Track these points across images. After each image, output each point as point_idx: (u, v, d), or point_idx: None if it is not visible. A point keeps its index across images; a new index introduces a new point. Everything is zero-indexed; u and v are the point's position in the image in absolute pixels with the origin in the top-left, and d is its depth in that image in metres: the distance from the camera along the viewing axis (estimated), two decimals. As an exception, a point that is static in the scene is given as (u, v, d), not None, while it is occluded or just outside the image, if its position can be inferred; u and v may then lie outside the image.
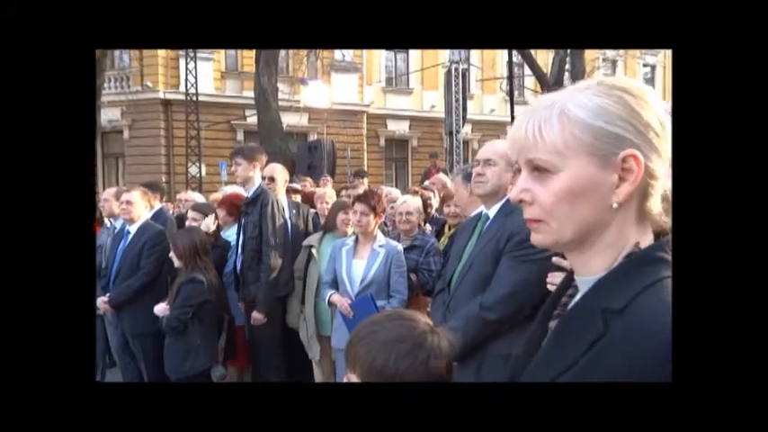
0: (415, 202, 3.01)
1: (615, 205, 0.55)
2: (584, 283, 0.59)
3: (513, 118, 8.78)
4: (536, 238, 0.60)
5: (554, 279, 1.28)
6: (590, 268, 0.58)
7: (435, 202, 3.95)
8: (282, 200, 3.21)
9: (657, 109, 0.53)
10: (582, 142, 0.55)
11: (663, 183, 0.54)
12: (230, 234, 3.28)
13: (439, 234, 3.10)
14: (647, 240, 0.56)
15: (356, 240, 2.70)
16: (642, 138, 0.53)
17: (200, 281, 2.50)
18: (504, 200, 1.84)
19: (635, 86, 0.54)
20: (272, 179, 3.29)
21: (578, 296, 0.60)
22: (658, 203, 0.55)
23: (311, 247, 2.96)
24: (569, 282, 0.65)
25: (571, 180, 0.55)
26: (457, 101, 10.18)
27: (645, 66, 16.31)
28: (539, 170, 0.58)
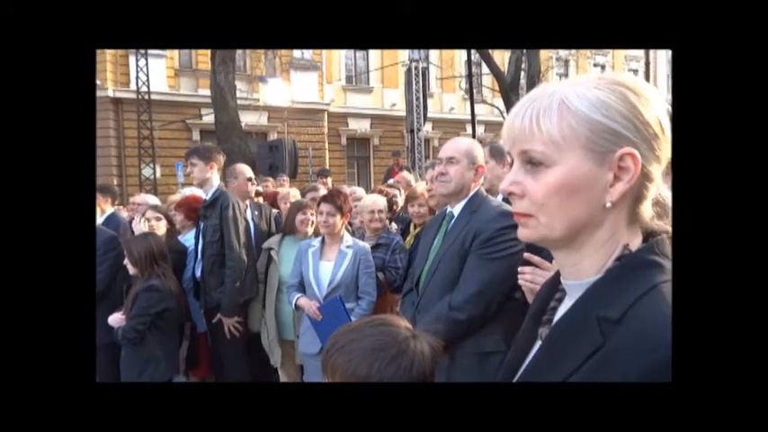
0: (383, 201, 3.00)
1: (608, 204, 0.53)
2: (573, 287, 0.58)
3: (473, 116, 8.97)
4: (523, 233, 0.58)
5: (525, 275, 1.29)
6: (579, 271, 0.57)
7: (401, 201, 3.96)
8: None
9: (659, 109, 0.51)
10: (579, 135, 0.53)
11: (657, 186, 0.53)
12: (188, 238, 3.16)
13: (404, 233, 3.10)
14: (636, 243, 0.54)
15: (322, 242, 2.67)
16: (641, 137, 0.51)
17: (158, 288, 2.38)
18: (467, 197, 1.85)
19: (638, 84, 0.52)
20: (249, 179, 3.25)
21: (567, 301, 0.59)
22: (650, 207, 0.54)
23: (271, 249, 2.90)
24: (556, 285, 0.63)
25: (565, 174, 0.53)
26: (417, 99, 10.25)
27: (595, 65, 16.96)
28: (532, 163, 0.56)
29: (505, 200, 2.18)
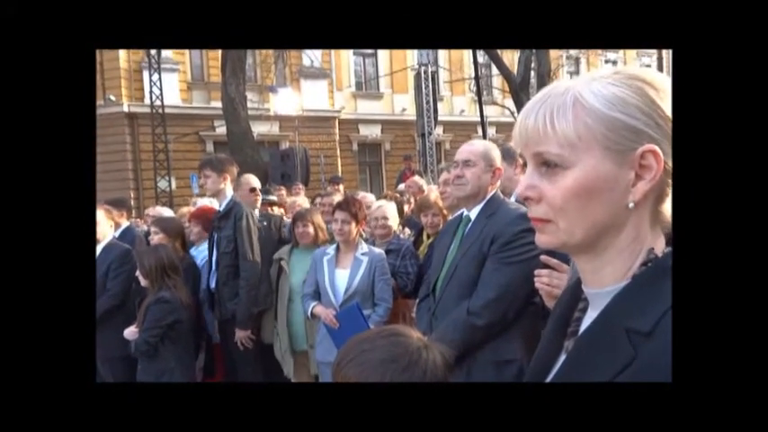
0: (391, 207, 2.98)
1: (631, 205, 0.51)
2: (596, 296, 0.55)
3: (482, 118, 8.92)
4: (542, 239, 0.56)
5: (541, 278, 1.25)
6: (602, 278, 0.54)
7: (412, 205, 3.93)
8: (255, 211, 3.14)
9: None
10: (596, 134, 0.50)
11: None
12: (202, 250, 3.18)
13: (416, 241, 3.07)
14: (660, 246, 0.52)
15: (337, 249, 2.66)
16: (662, 132, 0.49)
17: (168, 300, 2.38)
18: (484, 201, 1.81)
19: (656, 77, 0.50)
20: (252, 189, 3.24)
21: (591, 311, 0.56)
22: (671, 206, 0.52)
23: (281, 260, 2.91)
24: (578, 295, 0.60)
25: (584, 176, 0.51)
26: (427, 103, 10.25)
27: (607, 62, 16.78)
28: (547, 165, 0.54)
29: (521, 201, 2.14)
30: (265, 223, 3.24)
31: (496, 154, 1.86)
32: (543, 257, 1.28)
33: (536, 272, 1.27)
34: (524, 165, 2.31)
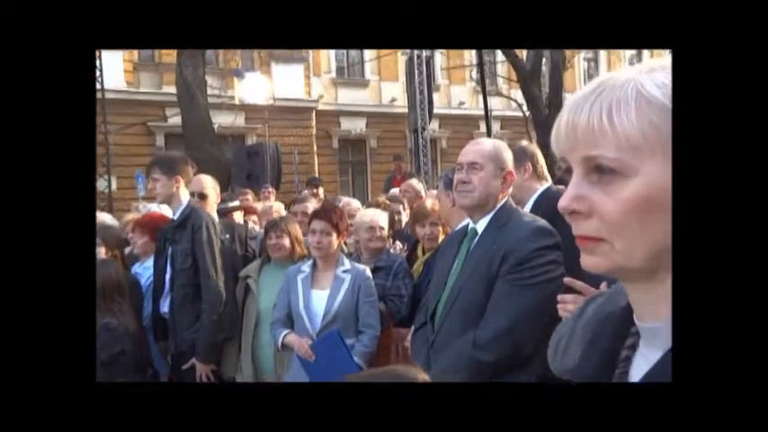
0: (383, 216, 2.98)
1: None
2: (653, 332, 0.54)
3: (486, 111, 9.01)
4: (591, 262, 0.54)
5: (566, 305, 1.25)
6: (659, 310, 0.52)
7: (405, 216, 3.93)
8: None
9: None
10: (663, 135, 0.49)
11: None
12: (149, 266, 3.10)
13: (409, 257, 3.06)
14: None
15: (314, 266, 2.66)
16: None
17: (114, 327, 2.34)
18: (494, 211, 1.81)
19: None
20: (202, 196, 3.13)
21: (645, 350, 0.55)
22: None
23: (248, 278, 2.88)
24: (625, 326, 0.58)
25: (648, 187, 0.50)
26: (421, 93, 10.32)
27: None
28: (601, 172, 0.52)
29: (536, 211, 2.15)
30: (228, 235, 3.19)
31: (508, 155, 1.87)
32: (567, 280, 1.28)
33: (560, 297, 1.27)
34: (534, 169, 2.33)
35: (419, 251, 3.00)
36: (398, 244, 3.42)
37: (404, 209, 3.99)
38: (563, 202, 0.55)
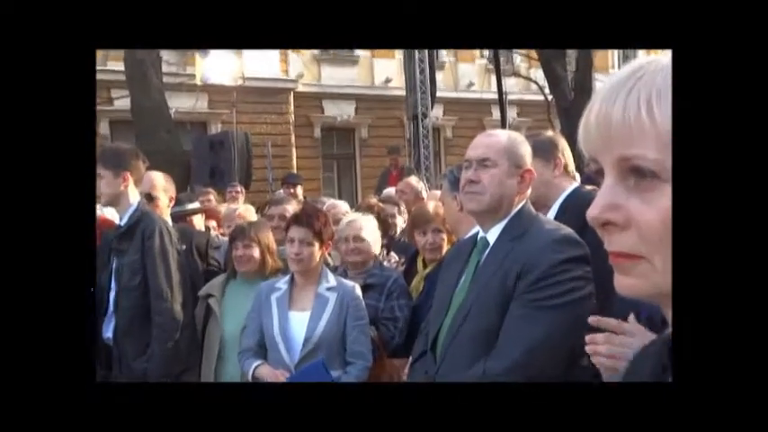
0: (368, 222, 2.99)
1: None
2: None
3: (500, 94, 9.01)
4: (626, 284, 0.55)
5: (597, 346, 1.24)
6: None
7: (401, 221, 3.95)
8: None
9: None
10: None
11: None
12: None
13: (408, 271, 3.08)
14: None
15: (292, 282, 2.68)
16: None
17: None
18: (509, 217, 1.82)
19: None
20: (150, 197, 3.12)
21: None
22: None
23: (209, 297, 2.92)
24: (665, 364, 0.60)
25: None
26: (422, 72, 10.35)
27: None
28: (639, 175, 0.53)
29: (561, 217, 2.15)
30: (185, 245, 3.17)
31: (526, 150, 1.87)
32: (593, 319, 1.27)
33: (589, 338, 1.26)
34: (566, 166, 2.34)
35: (419, 264, 3.01)
36: (393, 256, 3.43)
37: (400, 213, 4.00)
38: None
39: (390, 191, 5.18)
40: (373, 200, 4.35)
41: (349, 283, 2.68)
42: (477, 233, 1.92)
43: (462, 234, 2.36)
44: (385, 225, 3.46)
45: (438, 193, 3.45)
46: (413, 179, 4.84)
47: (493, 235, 1.83)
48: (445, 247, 2.81)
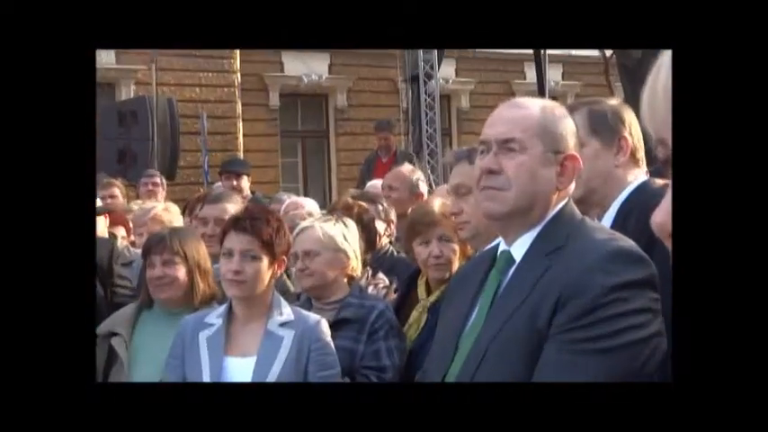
0: (333, 230, 3.00)
1: None
2: None
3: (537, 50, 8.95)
4: None
5: None
6: None
7: (382, 227, 3.93)
8: None
9: None
10: None
11: None
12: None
13: (405, 298, 3.10)
14: None
15: (230, 315, 2.71)
16: None
17: None
18: (543, 223, 1.82)
19: None
20: None
21: None
22: None
23: (113, 335, 2.93)
24: None
25: None
26: (426, 14, 10.38)
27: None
28: None
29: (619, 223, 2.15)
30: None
31: (567, 127, 1.86)
32: None
33: None
34: (635, 150, 2.31)
35: (420, 289, 3.03)
36: (381, 277, 3.42)
37: (384, 217, 4.00)
38: (660, 217, 0.62)
39: (376, 184, 5.20)
40: (351, 197, 4.34)
41: (312, 316, 2.70)
42: (497, 246, 1.91)
43: (483, 244, 2.37)
44: (369, 233, 3.45)
45: (445, 188, 3.45)
46: (406, 169, 4.86)
47: (520, 248, 1.83)
48: (456, 264, 2.84)
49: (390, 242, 4.04)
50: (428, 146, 10.39)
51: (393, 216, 4.10)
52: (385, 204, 4.14)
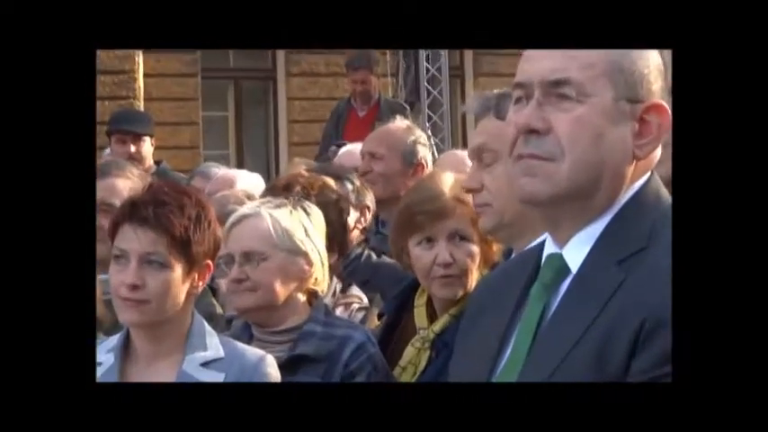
0: (285, 219, 3.04)
1: None
2: None
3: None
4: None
5: None
6: None
7: (354, 217, 3.98)
8: None
9: None
10: None
11: None
12: None
13: (394, 325, 3.15)
14: None
15: (125, 349, 2.77)
16: None
17: None
18: (614, 210, 1.80)
19: None
20: None
21: None
22: None
23: None
24: None
25: None
26: None
27: None
28: None
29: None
30: None
31: (652, 63, 1.85)
32: None
33: None
34: None
35: (419, 313, 3.06)
36: (357, 294, 3.42)
37: (363, 198, 4.02)
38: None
39: (351, 150, 5.22)
40: (303, 170, 4.33)
41: (252, 353, 2.75)
42: (542, 247, 1.90)
43: (516, 242, 2.39)
44: (339, 227, 3.45)
45: (463, 154, 3.46)
46: (397, 126, 4.89)
47: (577, 251, 1.81)
48: (475, 276, 2.89)
49: (365, 240, 4.05)
50: (429, 93, 10.41)
51: (370, 200, 4.14)
52: (357, 182, 4.13)
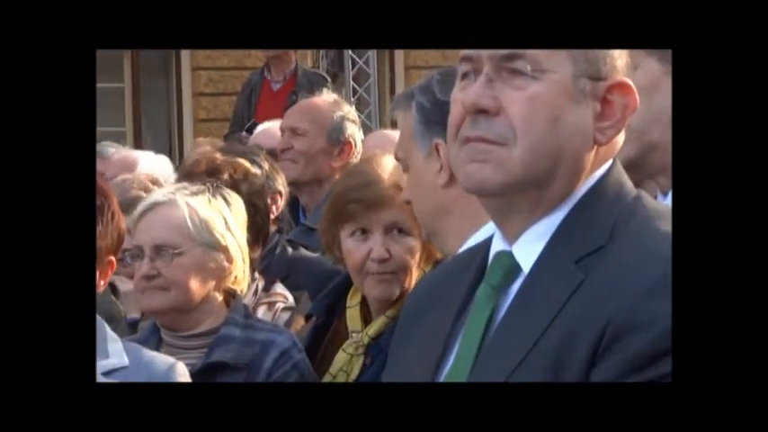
0: (201, 208, 3.05)
1: None
2: None
3: None
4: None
5: None
6: None
7: (279, 200, 4.16)
8: None
9: None
10: None
11: None
12: None
13: (324, 329, 3.18)
14: None
15: None
16: None
17: None
18: (574, 201, 1.81)
19: None
20: None
21: None
22: None
23: None
24: None
25: None
26: None
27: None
28: None
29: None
30: None
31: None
32: None
33: None
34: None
35: (352, 315, 3.11)
36: (281, 292, 3.43)
37: (274, 182, 4.03)
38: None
39: (270, 128, 5.21)
40: (220, 151, 4.31)
41: (162, 360, 2.76)
42: (490, 242, 1.92)
43: (454, 243, 2.40)
44: (258, 217, 3.45)
45: (392, 134, 3.49)
46: (322, 100, 4.97)
47: (530, 249, 1.86)
48: (415, 273, 2.93)
49: (278, 230, 4.05)
50: (354, 63, 10.41)
51: (282, 185, 4.19)
52: (266, 165, 4.11)
